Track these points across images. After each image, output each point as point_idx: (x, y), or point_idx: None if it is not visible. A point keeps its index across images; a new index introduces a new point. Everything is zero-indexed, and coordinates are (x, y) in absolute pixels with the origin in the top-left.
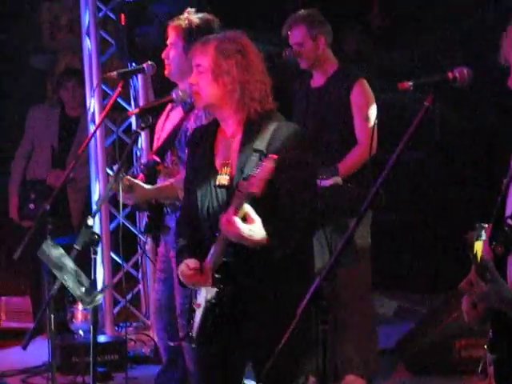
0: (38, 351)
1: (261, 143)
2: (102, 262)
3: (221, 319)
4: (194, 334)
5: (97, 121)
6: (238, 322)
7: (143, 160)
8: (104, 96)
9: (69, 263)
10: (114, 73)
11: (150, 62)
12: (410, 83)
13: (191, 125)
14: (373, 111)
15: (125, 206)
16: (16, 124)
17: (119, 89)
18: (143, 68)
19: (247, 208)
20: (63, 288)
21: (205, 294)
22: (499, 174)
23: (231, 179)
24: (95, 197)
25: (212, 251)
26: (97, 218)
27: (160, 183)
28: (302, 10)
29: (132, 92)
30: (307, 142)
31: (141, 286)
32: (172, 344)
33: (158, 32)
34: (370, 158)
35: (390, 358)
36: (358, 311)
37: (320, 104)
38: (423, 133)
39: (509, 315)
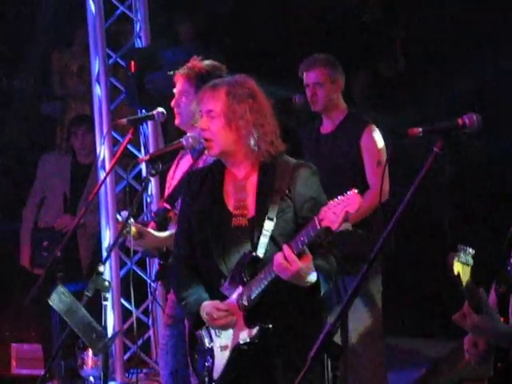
0: None
1: (281, 184)
2: (113, 308)
3: (250, 360)
4: (216, 376)
5: (107, 167)
6: (265, 363)
7: (153, 207)
8: (114, 143)
9: (79, 310)
10: (125, 120)
11: (160, 109)
12: (420, 129)
13: None
14: (383, 156)
15: (135, 252)
16: (26, 171)
17: (129, 135)
18: (153, 115)
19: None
20: (74, 334)
21: (231, 336)
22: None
23: (249, 220)
24: (105, 243)
25: (240, 291)
26: (107, 264)
27: (171, 230)
28: (321, 54)
29: (142, 138)
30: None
31: (151, 333)
32: None
33: (168, 79)
34: (381, 203)
35: None
36: (369, 356)
37: (330, 149)
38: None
39: (503, 347)
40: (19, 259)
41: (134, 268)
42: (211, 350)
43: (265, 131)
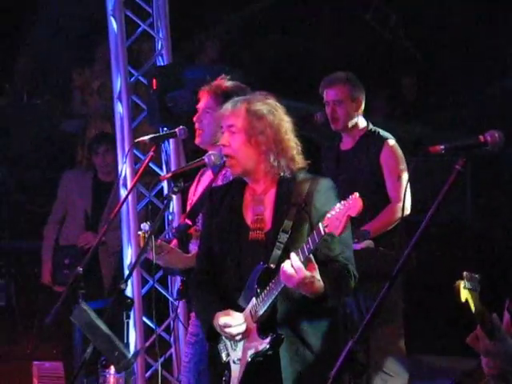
0: None
1: (298, 197)
2: (135, 325)
3: (264, 373)
4: None
5: (128, 185)
6: (279, 376)
7: (175, 225)
8: (136, 160)
9: (102, 327)
10: (146, 138)
11: (181, 127)
12: (442, 147)
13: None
14: (404, 171)
15: (157, 269)
16: (47, 188)
17: (151, 153)
18: (175, 133)
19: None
20: (96, 352)
21: (245, 348)
22: None
23: (265, 234)
24: (127, 261)
25: (253, 303)
26: (129, 282)
27: (193, 247)
28: (341, 72)
29: (164, 156)
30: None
31: (173, 350)
32: None
33: (190, 97)
34: (402, 218)
35: None
36: (391, 373)
37: (350, 166)
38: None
39: None
40: (41, 277)
41: (156, 286)
42: (228, 363)
43: (285, 147)
